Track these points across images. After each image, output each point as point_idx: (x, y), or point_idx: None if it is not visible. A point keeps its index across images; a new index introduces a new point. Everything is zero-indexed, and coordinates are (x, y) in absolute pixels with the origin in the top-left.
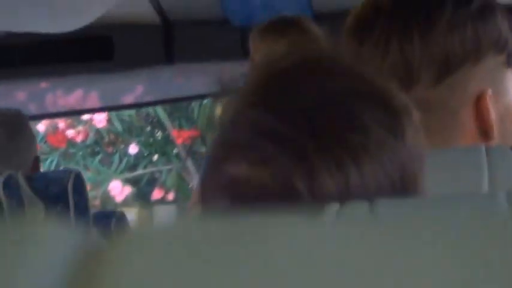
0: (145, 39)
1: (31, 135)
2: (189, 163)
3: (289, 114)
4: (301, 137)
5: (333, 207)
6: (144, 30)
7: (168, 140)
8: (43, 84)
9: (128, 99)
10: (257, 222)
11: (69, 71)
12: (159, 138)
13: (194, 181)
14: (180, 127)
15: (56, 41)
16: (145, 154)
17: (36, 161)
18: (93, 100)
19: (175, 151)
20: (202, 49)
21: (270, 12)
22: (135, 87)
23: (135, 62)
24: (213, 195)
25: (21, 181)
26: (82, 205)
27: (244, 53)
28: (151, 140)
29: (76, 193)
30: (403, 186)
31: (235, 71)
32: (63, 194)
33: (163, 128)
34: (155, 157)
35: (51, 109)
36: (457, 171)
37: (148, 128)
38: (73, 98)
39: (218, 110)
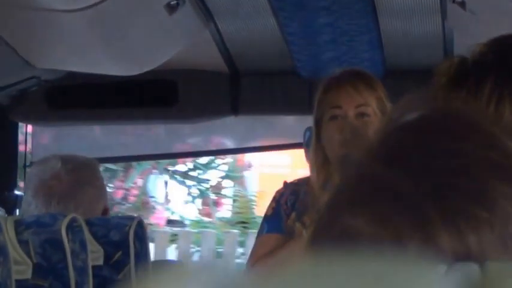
0: (211, 87)
1: (101, 186)
2: None
3: (415, 174)
4: (425, 202)
5: (444, 267)
6: (211, 77)
7: None
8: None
9: (185, 147)
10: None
11: (132, 115)
12: None
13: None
14: None
15: (120, 83)
16: None
17: (105, 212)
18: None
19: None
20: (268, 100)
21: (341, 66)
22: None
23: (200, 109)
24: (324, 243)
25: (83, 225)
26: (143, 253)
27: (311, 106)
28: None
29: (138, 241)
30: None
31: (301, 124)
32: (124, 241)
33: None
34: None
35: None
36: None
37: None
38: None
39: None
